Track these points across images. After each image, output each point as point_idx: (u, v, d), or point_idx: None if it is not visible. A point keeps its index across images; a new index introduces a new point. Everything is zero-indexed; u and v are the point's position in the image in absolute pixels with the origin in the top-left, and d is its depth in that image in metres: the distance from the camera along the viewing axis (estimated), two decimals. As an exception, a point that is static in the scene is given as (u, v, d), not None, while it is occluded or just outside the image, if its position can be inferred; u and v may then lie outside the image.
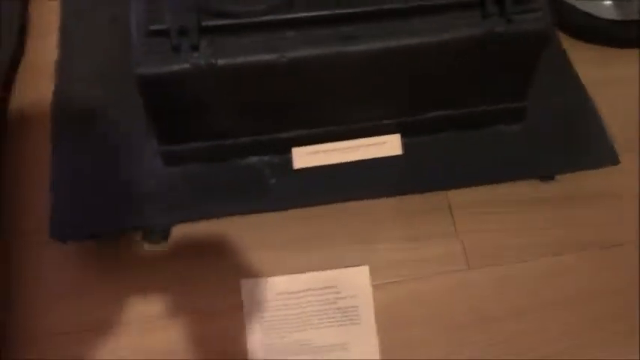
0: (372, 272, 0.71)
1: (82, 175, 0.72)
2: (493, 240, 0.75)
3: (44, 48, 0.83)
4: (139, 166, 0.72)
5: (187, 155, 0.71)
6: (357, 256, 0.73)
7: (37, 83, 0.81)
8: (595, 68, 0.84)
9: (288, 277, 0.70)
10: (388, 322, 0.70)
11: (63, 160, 0.73)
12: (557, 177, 0.78)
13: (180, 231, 0.74)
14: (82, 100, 0.76)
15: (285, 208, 0.72)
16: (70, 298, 0.71)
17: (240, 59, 0.61)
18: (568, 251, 0.75)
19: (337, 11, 0.62)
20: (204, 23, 0.60)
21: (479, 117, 0.74)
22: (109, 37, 0.79)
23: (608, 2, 0.88)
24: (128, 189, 0.71)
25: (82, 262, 0.73)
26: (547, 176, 0.78)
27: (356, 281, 0.69)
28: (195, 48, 0.60)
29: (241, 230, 0.74)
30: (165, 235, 0.73)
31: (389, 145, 0.72)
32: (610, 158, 0.75)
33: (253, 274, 0.72)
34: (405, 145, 0.72)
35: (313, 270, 0.71)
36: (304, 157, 0.71)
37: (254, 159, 0.72)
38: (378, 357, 0.67)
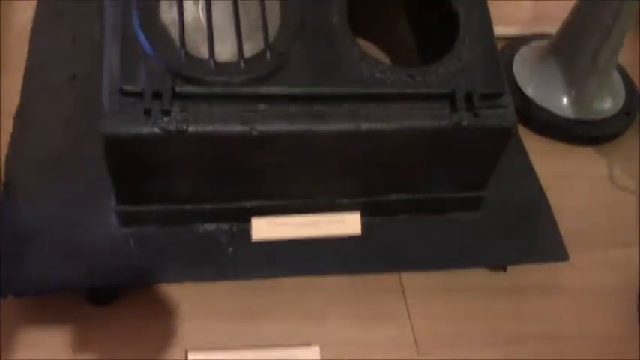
0: (320, 350, 0.70)
1: (31, 227, 0.69)
2: (443, 326, 0.75)
3: (9, 88, 0.81)
4: (92, 223, 0.70)
5: (144, 217, 0.69)
6: (308, 332, 0.72)
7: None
8: (551, 162, 0.88)
9: (236, 353, 0.68)
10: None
11: (13, 209, 0.70)
12: (509, 268, 0.79)
13: (127, 291, 0.72)
14: (39, 149, 0.74)
15: (240, 279, 0.71)
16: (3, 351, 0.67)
17: (210, 128, 0.61)
18: (515, 342, 0.75)
19: (310, 91, 0.63)
20: (177, 89, 0.60)
21: (437, 203, 0.76)
22: (73, 90, 0.78)
23: (566, 101, 0.92)
24: (78, 246, 0.69)
25: (19, 317, 0.69)
26: (499, 266, 0.79)
27: (306, 362, 0.68)
28: (166, 113, 0.60)
29: (192, 297, 0.72)
30: (110, 297, 0.71)
31: (348, 224, 0.72)
32: (559, 254, 0.77)
33: (200, 344, 0.69)
34: (363, 225, 0.73)
35: (263, 344, 0.70)
36: (263, 229, 0.70)
37: (212, 226, 0.72)
38: None
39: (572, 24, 0.91)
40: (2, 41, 0.87)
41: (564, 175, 0.88)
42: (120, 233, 0.69)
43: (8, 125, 0.76)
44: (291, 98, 0.63)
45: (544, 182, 0.83)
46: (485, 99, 0.66)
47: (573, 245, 0.78)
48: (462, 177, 0.73)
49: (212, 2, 0.63)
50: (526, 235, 0.78)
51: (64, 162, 0.73)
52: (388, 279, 0.77)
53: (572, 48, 0.91)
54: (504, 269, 0.79)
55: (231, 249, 0.71)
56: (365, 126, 0.64)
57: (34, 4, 0.87)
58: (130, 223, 0.70)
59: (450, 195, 0.75)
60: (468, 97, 0.65)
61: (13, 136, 0.75)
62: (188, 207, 0.69)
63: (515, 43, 1.01)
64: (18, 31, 0.86)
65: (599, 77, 0.93)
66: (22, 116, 0.76)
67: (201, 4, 0.63)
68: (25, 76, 0.79)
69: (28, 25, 0.85)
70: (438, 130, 0.65)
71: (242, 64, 0.61)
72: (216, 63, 0.61)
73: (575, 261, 0.77)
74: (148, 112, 0.59)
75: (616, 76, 0.98)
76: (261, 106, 0.62)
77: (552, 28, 0.95)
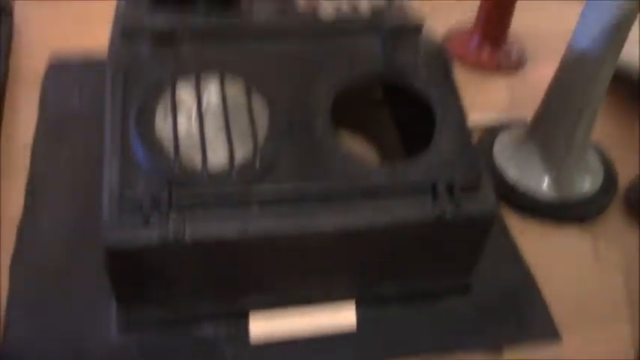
0: None
1: (31, 335, 0.71)
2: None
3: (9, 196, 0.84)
4: (92, 330, 0.72)
5: (144, 322, 0.71)
6: None
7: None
8: (536, 243, 0.90)
9: None
10: None
11: (15, 320, 0.72)
12: (505, 353, 0.80)
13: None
14: (40, 260, 0.77)
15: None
16: None
17: (206, 234, 0.64)
18: None
19: (298, 192, 0.67)
20: (174, 198, 0.63)
21: (427, 291, 0.78)
22: (73, 202, 0.82)
23: (547, 183, 0.96)
24: (78, 354, 0.70)
25: None
26: (495, 351, 0.80)
27: None
28: (164, 221, 0.63)
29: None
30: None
31: (344, 321, 0.75)
32: (551, 334, 0.79)
33: None
34: (358, 317, 0.75)
35: None
36: (261, 331, 0.73)
37: (211, 327, 0.73)
38: None
39: (544, 110, 0.95)
40: (3, 154, 0.91)
41: (550, 255, 0.90)
42: (119, 340, 0.71)
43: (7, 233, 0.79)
44: (282, 200, 0.66)
45: (530, 262, 0.85)
46: (466, 190, 0.69)
47: (564, 324, 0.80)
48: (449, 264, 0.76)
49: (203, 116, 0.67)
50: (517, 317, 0.80)
51: (64, 272, 0.76)
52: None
53: (547, 132, 0.95)
54: (501, 353, 0.80)
55: (229, 350, 0.72)
56: (353, 223, 0.67)
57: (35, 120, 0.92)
58: (130, 330, 0.71)
59: (440, 282, 0.77)
60: (449, 189, 0.69)
61: (16, 247, 0.77)
62: (186, 310, 0.71)
63: (495, 129, 1.05)
64: (19, 146, 0.90)
65: (576, 158, 0.97)
66: (24, 228, 0.79)
67: (194, 117, 0.67)
68: (26, 189, 0.83)
69: (30, 140, 0.89)
70: (423, 223, 0.69)
71: (233, 172, 0.65)
72: (208, 172, 0.64)
73: (567, 340, 0.79)
74: (146, 221, 0.62)
75: (593, 155, 1.02)
76: (254, 210, 0.66)
77: (530, 114, 0.99)
